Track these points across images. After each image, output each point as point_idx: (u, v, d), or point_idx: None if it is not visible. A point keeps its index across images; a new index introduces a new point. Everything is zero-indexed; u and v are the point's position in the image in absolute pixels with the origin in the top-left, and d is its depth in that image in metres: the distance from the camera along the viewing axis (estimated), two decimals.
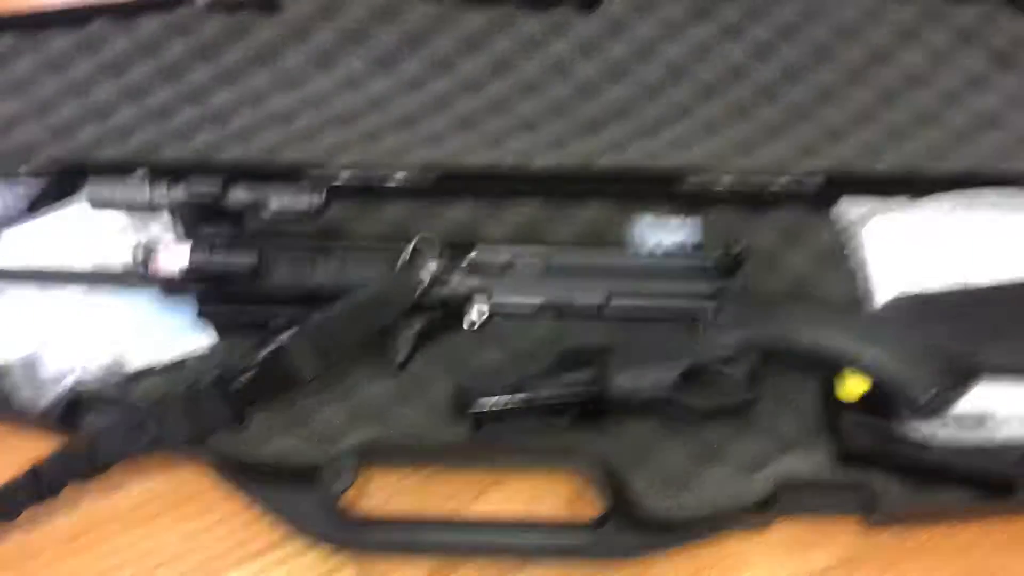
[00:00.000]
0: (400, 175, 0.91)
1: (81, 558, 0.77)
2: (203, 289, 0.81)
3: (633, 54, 1.00)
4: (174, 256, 0.77)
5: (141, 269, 0.79)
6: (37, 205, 0.90)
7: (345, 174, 0.91)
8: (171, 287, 0.81)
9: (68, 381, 0.81)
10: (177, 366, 0.82)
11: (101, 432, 0.75)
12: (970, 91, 0.98)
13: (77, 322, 0.83)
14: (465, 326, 0.84)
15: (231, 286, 0.81)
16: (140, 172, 0.86)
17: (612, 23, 1.02)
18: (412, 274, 0.80)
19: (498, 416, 0.77)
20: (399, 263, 0.80)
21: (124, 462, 0.77)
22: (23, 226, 0.89)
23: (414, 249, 0.81)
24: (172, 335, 0.83)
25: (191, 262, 0.77)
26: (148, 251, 0.78)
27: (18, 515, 0.76)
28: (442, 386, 0.81)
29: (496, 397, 0.76)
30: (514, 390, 0.76)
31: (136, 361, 0.82)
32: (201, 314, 0.83)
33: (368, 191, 0.92)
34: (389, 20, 1.02)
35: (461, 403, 0.78)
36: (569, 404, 0.76)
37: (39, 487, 0.74)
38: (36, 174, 0.92)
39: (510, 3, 1.02)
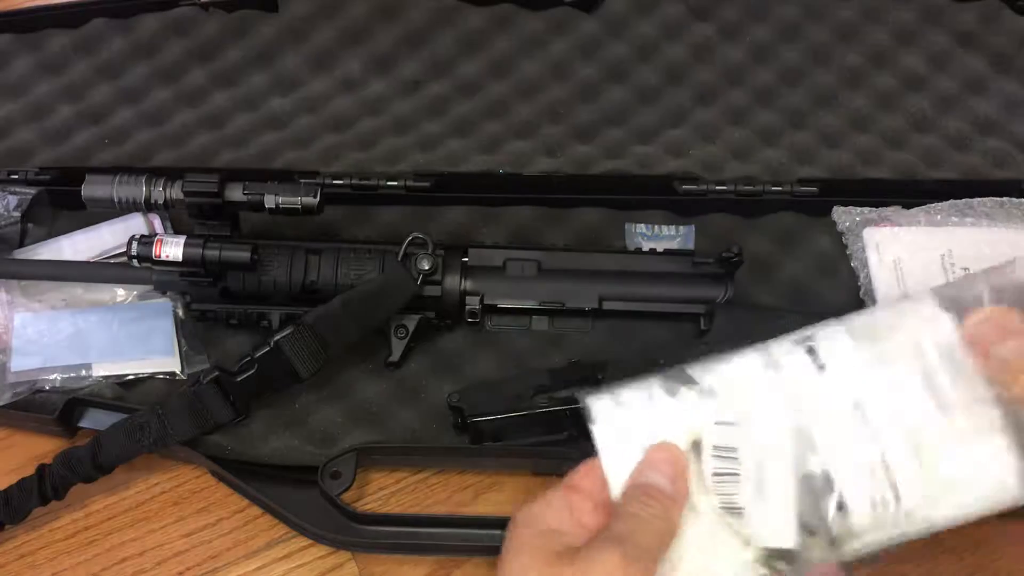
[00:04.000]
0: (395, 182, 0.91)
1: (83, 555, 0.78)
2: (196, 285, 0.81)
3: (632, 55, 1.01)
4: (170, 247, 0.77)
5: (136, 261, 0.78)
6: (31, 212, 0.90)
7: (340, 180, 0.91)
8: (165, 283, 0.81)
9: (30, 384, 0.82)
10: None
11: (104, 434, 0.75)
12: (968, 96, 0.98)
13: (46, 329, 0.84)
14: (459, 328, 0.85)
15: (224, 282, 0.81)
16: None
17: (612, 23, 1.02)
18: (407, 272, 0.80)
19: (496, 435, 0.77)
20: (393, 260, 0.81)
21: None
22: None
23: (407, 249, 0.81)
24: (140, 351, 0.83)
25: (185, 255, 0.77)
26: (145, 242, 0.77)
27: (25, 517, 0.76)
28: (438, 390, 0.82)
29: (492, 417, 0.76)
30: (510, 407, 0.76)
31: (102, 372, 0.82)
32: (193, 310, 0.83)
33: (363, 195, 0.92)
34: (389, 19, 1.02)
35: (458, 419, 0.79)
36: (566, 419, 0.76)
37: (44, 489, 0.74)
38: (30, 181, 0.91)
39: (510, 2, 1.02)
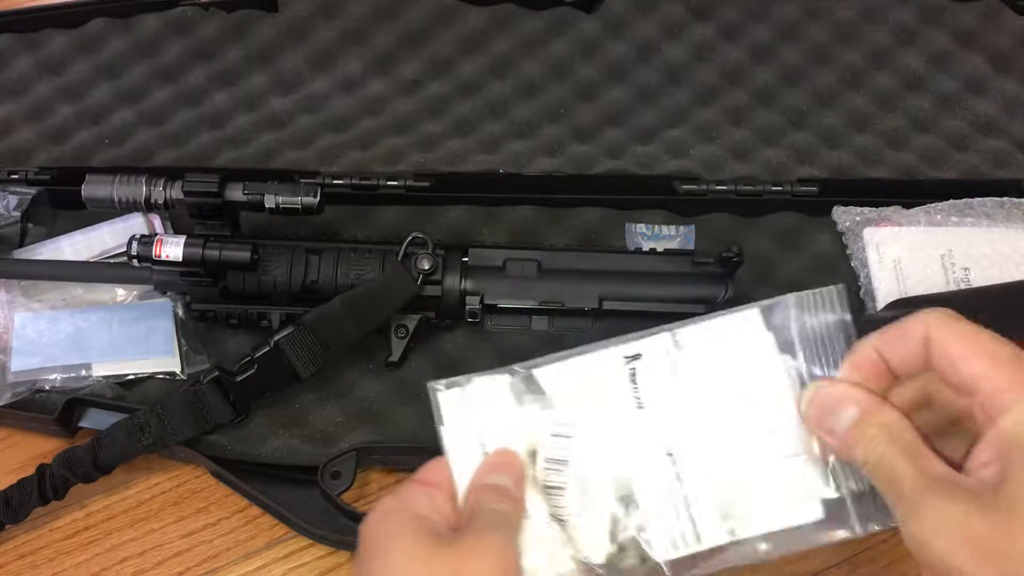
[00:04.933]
0: (395, 182, 0.91)
1: (83, 555, 0.77)
2: (196, 285, 0.80)
3: (632, 55, 1.01)
4: (170, 247, 0.77)
5: (136, 261, 0.78)
6: (31, 212, 0.89)
7: (340, 180, 0.91)
8: (165, 283, 0.81)
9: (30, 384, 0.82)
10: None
11: (104, 434, 0.75)
12: (968, 96, 0.98)
13: (46, 329, 0.84)
14: (459, 328, 0.85)
15: (224, 282, 0.81)
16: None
17: (612, 23, 1.02)
18: (407, 272, 0.80)
19: None
20: (393, 260, 0.81)
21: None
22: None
23: (407, 249, 0.81)
24: (140, 351, 0.83)
25: (185, 255, 0.77)
26: (145, 242, 0.77)
27: (26, 517, 0.76)
28: None
29: None
30: None
31: (102, 372, 0.82)
32: (193, 310, 0.83)
33: (363, 195, 0.92)
34: (389, 19, 1.02)
35: None
36: None
37: (44, 489, 0.74)
38: (30, 180, 0.91)
39: (511, 2, 1.02)
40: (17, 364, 0.82)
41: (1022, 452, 0.45)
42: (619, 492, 0.54)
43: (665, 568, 0.53)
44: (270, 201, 0.78)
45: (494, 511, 0.53)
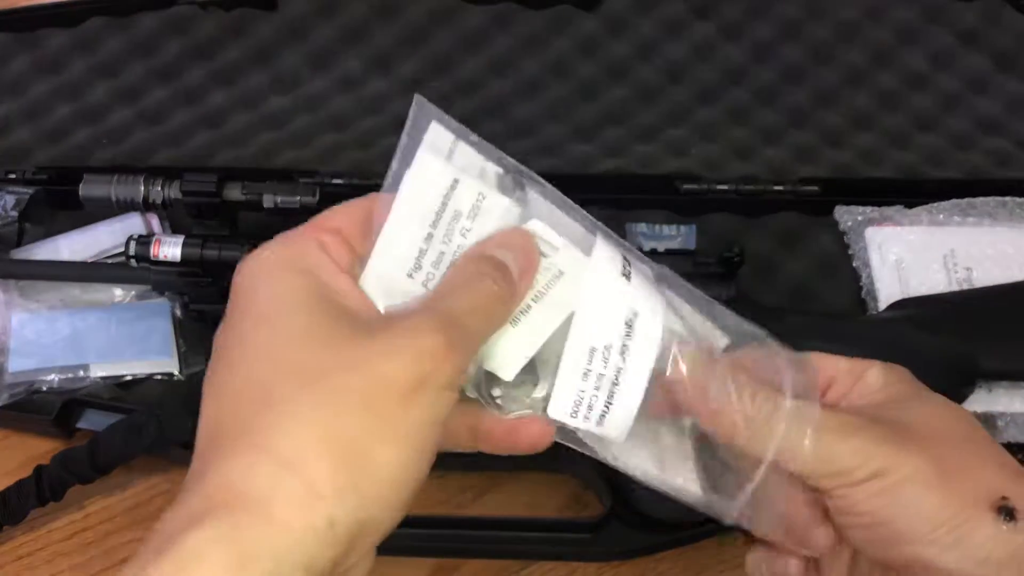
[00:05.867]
0: None
1: (81, 556, 0.77)
2: (194, 285, 0.80)
3: (633, 54, 1.00)
4: (168, 247, 0.77)
5: (134, 261, 0.78)
6: (28, 212, 0.89)
7: (339, 180, 0.90)
8: (163, 283, 0.81)
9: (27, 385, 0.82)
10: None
11: (102, 435, 0.75)
12: (970, 95, 0.98)
13: (44, 330, 0.84)
14: None
15: (223, 282, 0.80)
16: None
17: (613, 22, 1.02)
18: None
19: None
20: None
21: None
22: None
23: None
24: (138, 352, 0.83)
25: (183, 255, 0.77)
26: (143, 242, 0.77)
27: (24, 518, 0.76)
28: None
29: None
30: None
31: (100, 373, 0.82)
32: (191, 310, 0.82)
33: (363, 195, 0.91)
34: (388, 18, 1.01)
35: None
36: None
37: (42, 491, 0.74)
38: (28, 180, 0.91)
39: (510, 0, 1.02)
40: (15, 365, 0.81)
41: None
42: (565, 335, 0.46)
43: (540, 419, 0.45)
44: (269, 201, 0.78)
45: (473, 292, 0.40)
